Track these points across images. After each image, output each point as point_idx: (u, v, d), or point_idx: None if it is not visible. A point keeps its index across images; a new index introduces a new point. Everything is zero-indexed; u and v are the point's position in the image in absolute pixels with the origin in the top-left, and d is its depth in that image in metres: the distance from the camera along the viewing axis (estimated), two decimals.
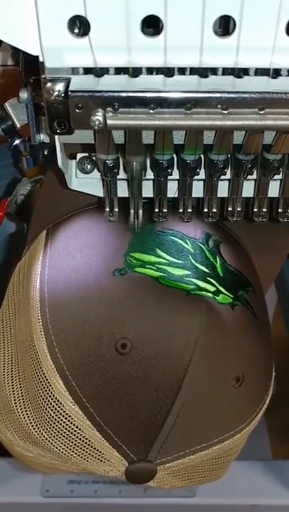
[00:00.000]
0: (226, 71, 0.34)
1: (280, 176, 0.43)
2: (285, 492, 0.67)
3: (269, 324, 0.50)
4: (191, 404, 0.40)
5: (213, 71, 0.34)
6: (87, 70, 0.34)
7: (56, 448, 0.42)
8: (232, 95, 0.32)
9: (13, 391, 0.43)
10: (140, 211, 0.43)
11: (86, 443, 0.41)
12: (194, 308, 0.42)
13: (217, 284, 0.45)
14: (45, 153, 0.47)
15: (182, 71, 0.35)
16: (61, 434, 0.41)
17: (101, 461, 0.42)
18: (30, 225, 0.53)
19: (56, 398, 0.41)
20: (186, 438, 0.42)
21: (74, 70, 0.34)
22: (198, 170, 0.41)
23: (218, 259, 0.47)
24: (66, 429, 0.41)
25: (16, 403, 0.43)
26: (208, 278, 0.45)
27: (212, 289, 0.45)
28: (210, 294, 0.44)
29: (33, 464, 0.46)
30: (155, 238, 0.46)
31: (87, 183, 0.46)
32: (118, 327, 0.41)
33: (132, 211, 0.43)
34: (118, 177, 0.43)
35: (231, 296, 0.45)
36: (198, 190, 0.44)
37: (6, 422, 0.45)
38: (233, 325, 0.44)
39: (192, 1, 0.31)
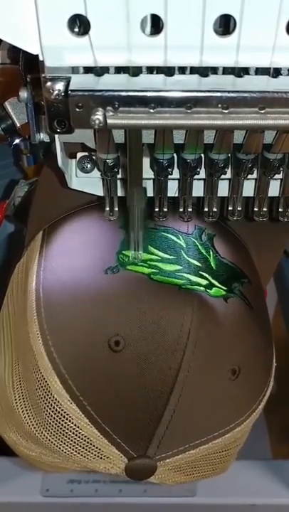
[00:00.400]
0: (227, 70, 0.34)
1: (280, 176, 0.43)
2: (284, 491, 0.67)
3: (268, 315, 0.50)
4: (187, 398, 0.41)
5: (214, 70, 0.34)
6: (87, 69, 0.34)
7: (57, 446, 0.42)
8: (232, 94, 0.32)
9: (14, 391, 0.44)
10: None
11: (85, 441, 0.41)
12: (185, 302, 0.42)
13: (210, 278, 0.45)
14: (46, 151, 0.47)
15: (182, 70, 0.35)
16: (61, 433, 0.42)
17: (101, 458, 0.42)
18: (28, 226, 0.53)
19: (54, 397, 0.41)
20: (185, 433, 0.42)
21: (74, 69, 0.34)
22: (198, 169, 0.41)
23: (211, 252, 0.48)
24: (65, 427, 0.41)
25: (16, 403, 0.43)
26: (200, 272, 0.45)
27: (204, 282, 0.45)
28: (202, 288, 0.44)
29: (37, 463, 0.47)
30: (147, 235, 0.46)
31: (87, 182, 0.46)
32: (111, 325, 0.41)
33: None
34: (118, 176, 0.43)
35: (225, 288, 0.45)
36: (198, 189, 0.44)
37: (8, 423, 0.45)
38: (227, 317, 0.44)
39: None
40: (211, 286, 0.45)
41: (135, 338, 0.41)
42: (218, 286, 0.45)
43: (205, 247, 0.48)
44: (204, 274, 0.46)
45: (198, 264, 0.46)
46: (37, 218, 0.52)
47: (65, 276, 0.44)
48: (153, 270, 0.44)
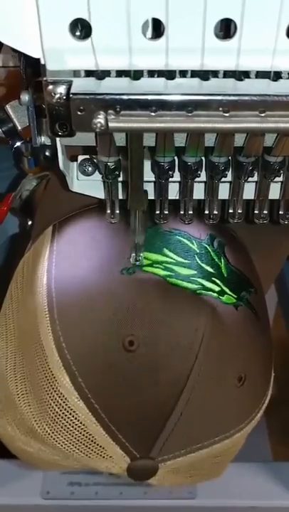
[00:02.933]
0: (227, 74, 0.34)
1: (280, 178, 0.43)
2: (284, 493, 0.67)
3: (269, 325, 0.51)
4: (194, 402, 0.41)
5: (214, 74, 0.34)
6: (89, 73, 0.34)
7: (58, 443, 0.42)
8: (233, 98, 0.32)
9: (16, 385, 0.43)
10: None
11: (89, 439, 0.41)
12: (201, 307, 0.43)
13: (222, 285, 0.46)
14: (47, 154, 0.46)
15: (183, 74, 0.35)
16: (64, 430, 0.42)
17: (103, 457, 0.42)
18: (36, 220, 0.53)
19: (61, 393, 0.41)
20: (189, 436, 0.42)
21: (75, 73, 0.34)
22: (199, 172, 0.41)
23: (222, 260, 0.48)
24: (70, 424, 0.41)
25: (18, 397, 0.43)
26: (213, 278, 0.46)
27: (217, 289, 0.45)
28: (215, 294, 0.45)
29: (33, 460, 0.47)
30: (162, 238, 0.47)
31: (89, 185, 0.46)
32: (126, 325, 0.41)
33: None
34: (119, 179, 0.43)
35: (235, 296, 0.46)
36: (199, 192, 0.44)
37: (7, 416, 0.45)
38: (237, 325, 0.44)
39: (193, 4, 0.31)
40: (223, 293, 0.45)
41: (150, 339, 0.41)
42: (229, 294, 0.46)
43: (217, 253, 0.48)
44: (217, 280, 0.46)
45: (211, 270, 0.46)
46: (47, 213, 0.52)
47: (80, 274, 0.44)
48: (169, 273, 0.44)
